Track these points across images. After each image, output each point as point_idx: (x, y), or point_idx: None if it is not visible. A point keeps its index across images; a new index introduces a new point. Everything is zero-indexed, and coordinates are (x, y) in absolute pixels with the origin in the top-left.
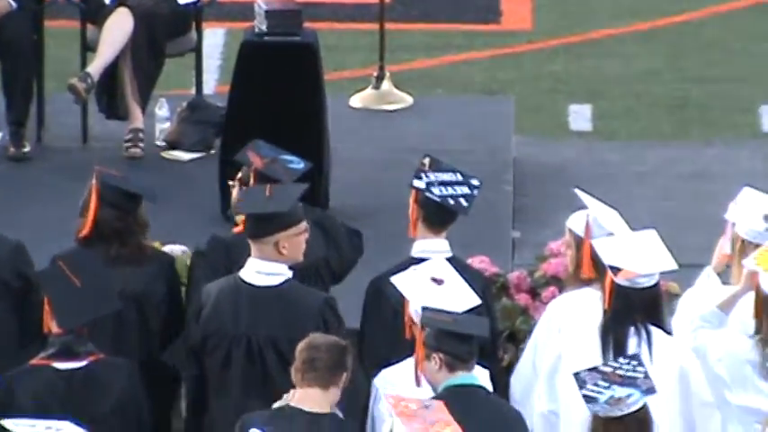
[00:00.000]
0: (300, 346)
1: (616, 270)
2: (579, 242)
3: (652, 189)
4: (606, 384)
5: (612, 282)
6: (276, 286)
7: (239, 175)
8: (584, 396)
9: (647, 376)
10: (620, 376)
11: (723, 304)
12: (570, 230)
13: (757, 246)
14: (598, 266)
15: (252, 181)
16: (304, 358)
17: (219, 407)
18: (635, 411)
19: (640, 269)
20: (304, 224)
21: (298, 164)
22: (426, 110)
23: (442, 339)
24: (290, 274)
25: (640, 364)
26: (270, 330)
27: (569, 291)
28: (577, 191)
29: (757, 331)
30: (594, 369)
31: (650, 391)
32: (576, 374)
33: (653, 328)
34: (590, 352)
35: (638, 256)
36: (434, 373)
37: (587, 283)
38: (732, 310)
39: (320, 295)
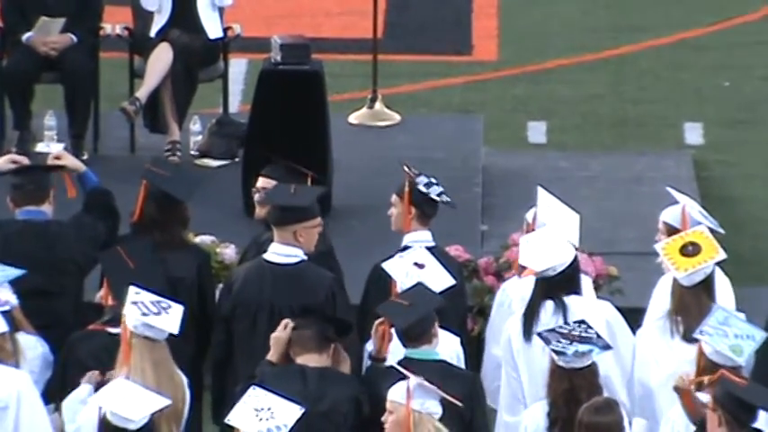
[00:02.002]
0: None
1: (523, 268)
2: (527, 231)
3: (595, 191)
4: (568, 341)
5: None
6: (293, 264)
7: (258, 183)
8: (554, 351)
9: (599, 336)
10: (577, 336)
11: None
12: (526, 221)
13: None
14: None
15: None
16: (299, 335)
17: (246, 363)
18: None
19: (537, 267)
20: (318, 220)
21: None
22: (411, 126)
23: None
24: (304, 256)
25: (589, 327)
26: (288, 299)
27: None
28: (539, 188)
29: (671, 304)
30: (553, 330)
31: (607, 347)
32: (539, 334)
33: (570, 299)
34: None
35: (539, 254)
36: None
37: None
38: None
39: (328, 274)
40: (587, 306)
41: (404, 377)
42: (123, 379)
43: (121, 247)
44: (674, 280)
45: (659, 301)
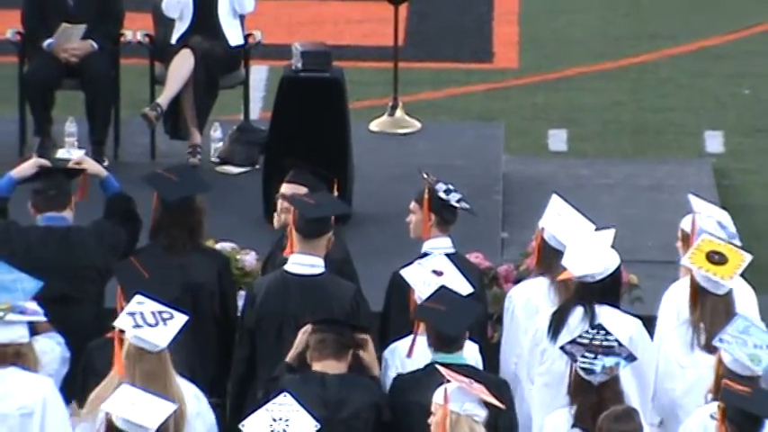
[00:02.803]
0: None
1: (564, 269)
2: (537, 237)
3: (616, 198)
4: (593, 355)
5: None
6: (317, 276)
7: (282, 189)
8: (582, 368)
9: (620, 344)
10: (599, 346)
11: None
12: (538, 228)
13: None
14: (543, 260)
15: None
16: (317, 339)
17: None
18: None
19: (576, 272)
20: None
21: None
22: (432, 133)
23: (431, 327)
24: (324, 267)
25: (608, 333)
26: (314, 312)
27: (525, 280)
28: (554, 195)
29: (691, 314)
30: (574, 342)
31: (631, 357)
32: (563, 348)
33: (601, 308)
34: (543, 332)
35: (581, 259)
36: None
37: (543, 272)
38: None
39: (351, 285)
40: (615, 319)
41: (440, 382)
42: (129, 386)
43: (135, 256)
44: (699, 289)
45: (672, 311)
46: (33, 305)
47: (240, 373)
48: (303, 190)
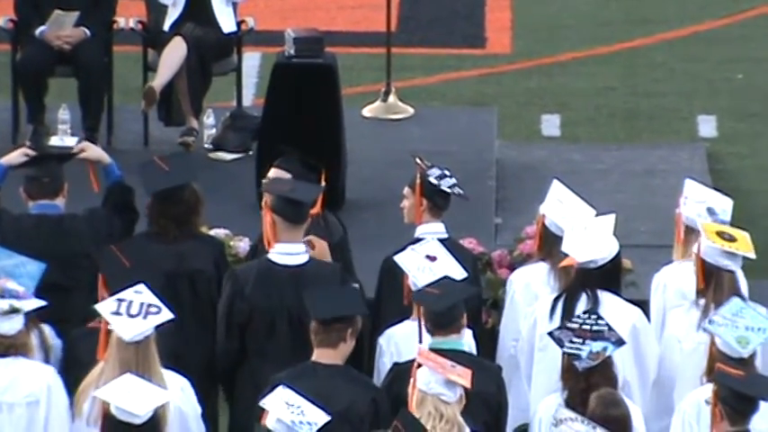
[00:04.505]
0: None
1: (565, 255)
2: (537, 223)
3: (609, 184)
4: (581, 340)
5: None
6: (304, 264)
7: (270, 174)
8: (568, 354)
9: (611, 329)
10: (588, 331)
11: None
12: (539, 213)
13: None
14: (544, 246)
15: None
16: (316, 326)
17: (265, 370)
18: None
19: (580, 258)
20: None
21: None
22: (425, 119)
23: (425, 310)
24: (307, 254)
25: (599, 317)
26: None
27: (526, 265)
28: (555, 181)
29: (702, 296)
30: (564, 327)
31: (620, 342)
32: (551, 334)
33: (604, 295)
34: (544, 316)
35: (584, 244)
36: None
37: (544, 258)
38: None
39: (335, 266)
40: (617, 307)
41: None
42: (131, 375)
43: (117, 246)
44: (713, 270)
45: (665, 298)
46: (23, 290)
47: (227, 368)
48: (289, 176)
